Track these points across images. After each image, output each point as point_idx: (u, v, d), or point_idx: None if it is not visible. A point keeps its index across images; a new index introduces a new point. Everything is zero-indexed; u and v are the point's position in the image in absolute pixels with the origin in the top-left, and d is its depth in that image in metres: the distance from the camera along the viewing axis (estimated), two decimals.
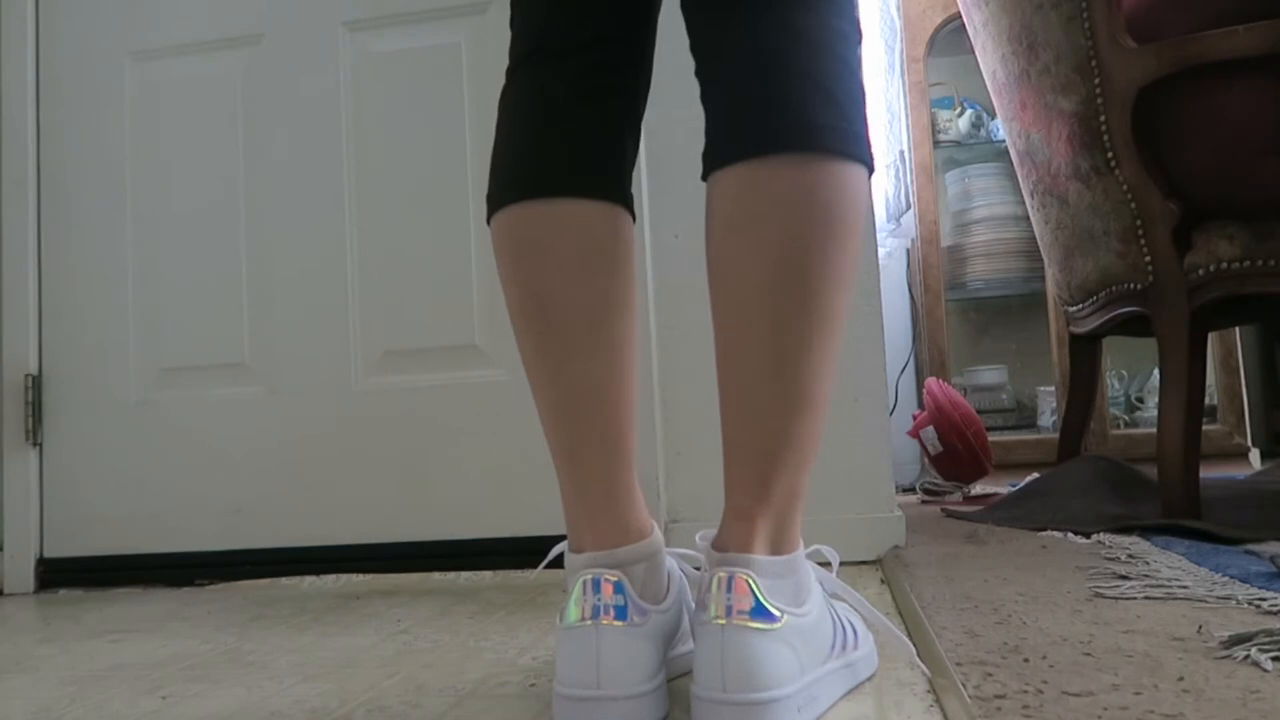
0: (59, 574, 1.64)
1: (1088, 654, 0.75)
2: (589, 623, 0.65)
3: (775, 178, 0.65)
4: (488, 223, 0.76)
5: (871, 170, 0.69)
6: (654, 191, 1.50)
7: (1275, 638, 0.73)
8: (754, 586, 0.63)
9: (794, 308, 0.65)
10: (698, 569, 0.72)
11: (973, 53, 2.01)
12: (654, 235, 1.50)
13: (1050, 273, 2.12)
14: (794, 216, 0.64)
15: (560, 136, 0.72)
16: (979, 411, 2.35)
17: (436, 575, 1.50)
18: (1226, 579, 1.02)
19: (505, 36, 0.81)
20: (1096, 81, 1.56)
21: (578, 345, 0.71)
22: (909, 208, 2.89)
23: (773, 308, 0.65)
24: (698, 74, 0.72)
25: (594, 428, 0.72)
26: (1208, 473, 1.64)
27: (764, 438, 0.67)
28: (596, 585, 0.67)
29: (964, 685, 0.68)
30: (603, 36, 0.74)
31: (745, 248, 0.66)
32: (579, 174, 0.72)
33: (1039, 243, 1.99)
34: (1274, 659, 0.70)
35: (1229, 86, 1.46)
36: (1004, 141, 2.49)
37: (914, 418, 2.35)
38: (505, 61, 0.79)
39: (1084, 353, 2.02)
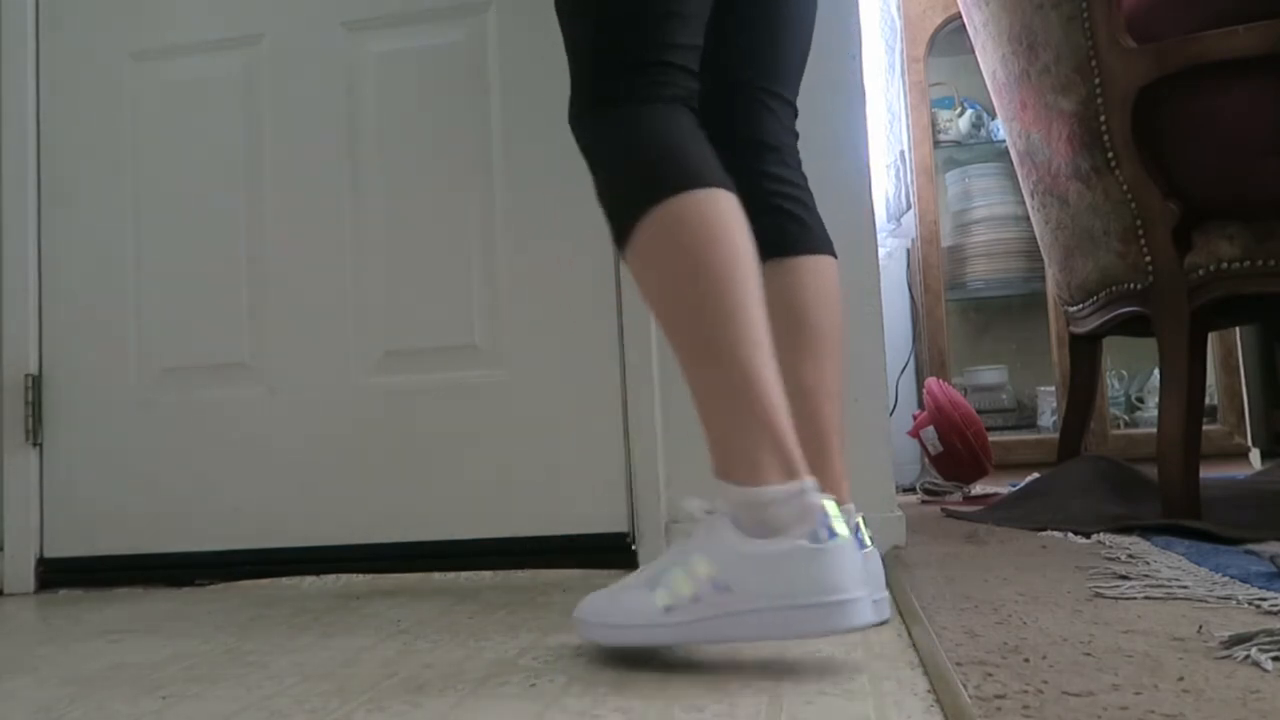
0: (59, 574, 1.64)
1: (1088, 654, 0.75)
2: (849, 539, 0.79)
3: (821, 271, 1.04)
4: (646, 211, 0.85)
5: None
6: None
7: (1275, 638, 0.73)
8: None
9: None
10: None
11: (973, 53, 2.01)
12: None
13: (1050, 273, 2.12)
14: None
15: (707, 147, 0.90)
16: (979, 411, 2.36)
17: (436, 575, 1.50)
18: (1226, 579, 1.02)
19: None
20: (1096, 81, 1.56)
21: (757, 293, 0.86)
22: (909, 208, 2.89)
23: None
24: None
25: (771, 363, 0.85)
26: (1208, 473, 1.64)
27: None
28: (839, 513, 0.79)
29: (964, 685, 0.68)
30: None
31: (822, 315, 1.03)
32: (724, 174, 0.89)
33: (1039, 243, 1.99)
34: (1274, 659, 0.70)
35: (1229, 87, 1.46)
36: (1004, 141, 2.49)
37: (914, 418, 2.35)
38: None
39: (1084, 353, 2.02)
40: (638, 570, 0.90)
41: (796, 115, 1.08)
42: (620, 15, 0.90)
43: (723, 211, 0.85)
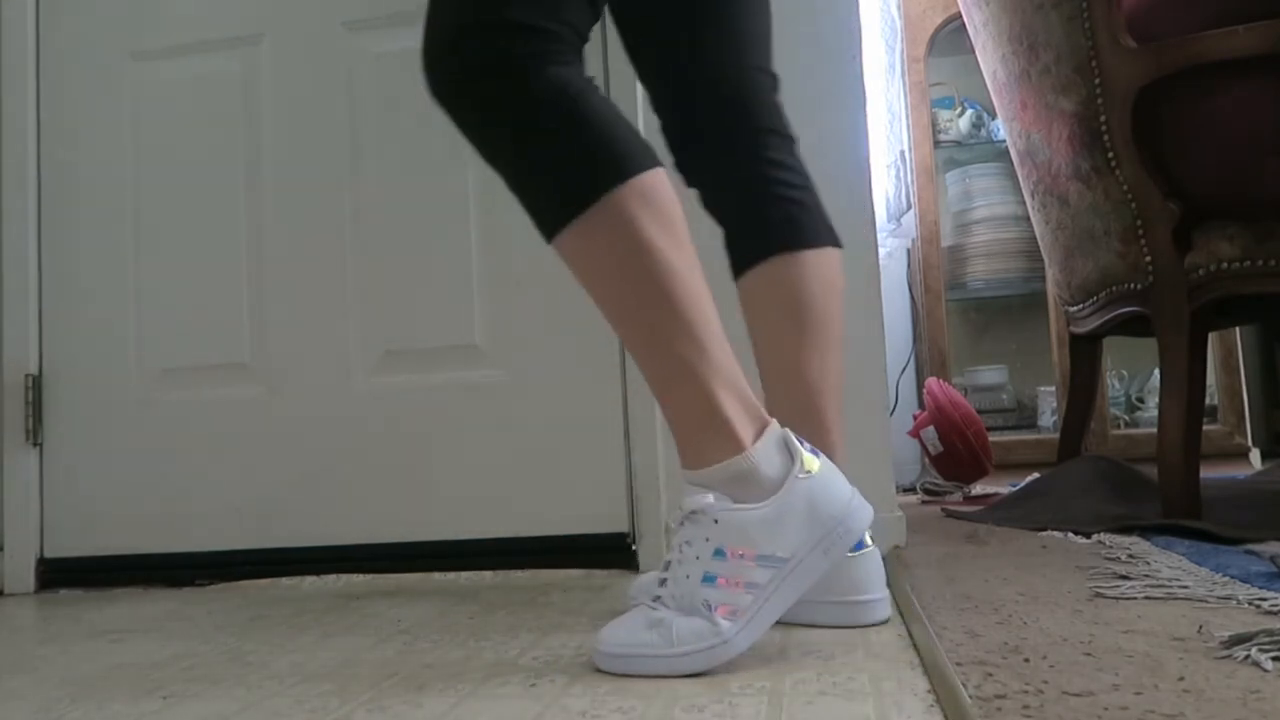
0: (59, 574, 1.64)
1: (1088, 654, 0.75)
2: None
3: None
4: (611, 189, 0.80)
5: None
6: None
7: (1275, 638, 0.73)
8: None
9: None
10: None
11: (973, 53, 2.01)
12: None
13: (1050, 273, 2.12)
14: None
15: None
16: (979, 411, 2.36)
17: (436, 575, 1.50)
18: (1227, 579, 1.02)
19: None
20: (1097, 81, 1.56)
21: (698, 267, 0.87)
22: (909, 208, 2.89)
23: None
24: (706, 205, 1.06)
25: None
26: (1208, 473, 1.64)
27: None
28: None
29: (964, 685, 0.68)
30: None
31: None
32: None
33: (1039, 243, 1.99)
34: (1274, 659, 0.70)
35: (1229, 86, 1.46)
36: (1004, 141, 2.49)
37: (914, 418, 2.35)
38: None
39: (1084, 353, 2.02)
40: (640, 607, 0.84)
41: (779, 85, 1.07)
42: None
43: (670, 190, 0.83)
